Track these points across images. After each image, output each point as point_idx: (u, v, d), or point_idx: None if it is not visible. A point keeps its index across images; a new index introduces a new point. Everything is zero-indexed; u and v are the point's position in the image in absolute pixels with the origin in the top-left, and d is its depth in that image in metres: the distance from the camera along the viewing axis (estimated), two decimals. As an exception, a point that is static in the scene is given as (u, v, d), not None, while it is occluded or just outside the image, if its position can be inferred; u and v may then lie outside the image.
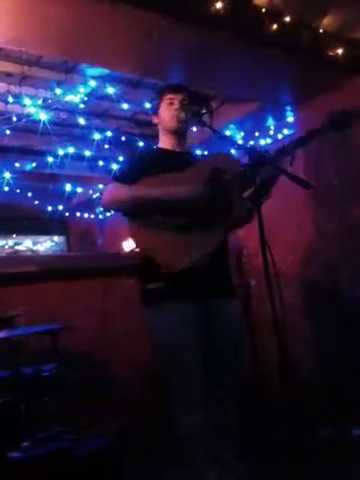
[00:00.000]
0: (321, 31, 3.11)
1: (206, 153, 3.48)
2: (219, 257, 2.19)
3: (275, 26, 2.90)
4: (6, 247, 6.60)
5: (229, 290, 2.28)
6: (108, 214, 6.28)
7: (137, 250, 2.22)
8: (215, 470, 2.05)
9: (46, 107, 3.78)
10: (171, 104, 2.27)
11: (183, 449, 2.09)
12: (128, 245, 5.20)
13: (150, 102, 2.50)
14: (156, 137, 2.42)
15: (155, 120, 2.37)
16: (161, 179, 2.17)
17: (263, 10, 2.87)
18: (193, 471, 2.06)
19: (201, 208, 2.09)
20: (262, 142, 4.35)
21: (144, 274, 2.19)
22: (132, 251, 3.09)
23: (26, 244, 6.79)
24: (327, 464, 2.62)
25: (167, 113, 2.28)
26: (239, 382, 2.23)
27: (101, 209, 6.05)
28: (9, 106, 3.86)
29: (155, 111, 2.35)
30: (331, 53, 3.19)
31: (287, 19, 2.94)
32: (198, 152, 3.24)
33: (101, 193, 5.56)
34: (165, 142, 2.35)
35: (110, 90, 3.64)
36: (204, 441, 2.04)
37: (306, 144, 2.01)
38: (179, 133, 2.31)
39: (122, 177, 2.21)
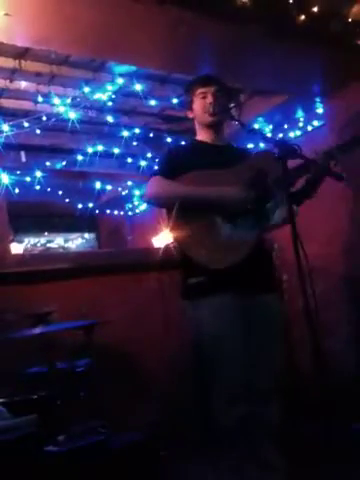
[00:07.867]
0: (350, 20, 3.05)
1: (249, 148, 3.43)
2: (260, 252, 2.17)
3: (303, 17, 2.86)
4: (38, 245, 6.71)
5: (270, 284, 2.26)
6: (137, 211, 6.34)
7: (174, 244, 2.22)
8: (255, 465, 2.03)
9: (75, 106, 3.82)
10: (204, 98, 2.23)
11: (223, 441, 2.08)
12: (158, 241, 5.22)
13: (182, 95, 2.44)
14: (184, 132, 2.41)
15: (190, 115, 2.34)
16: (206, 175, 2.15)
17: (290, 1, 2.83)
18: (232, 464, 2.04)
19: (245, 210, 2.08)
20: (291, 134, 4.30)
21: (184, 268, 2.17)
22: (168, 245, 3.08)
23: (58, 241, 6.88)
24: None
25: (200, 107, 2.25)
26: (281, 377, 2.20)
27: (139, 203, 6.05)
28: (39, 105, 3.91)
29: (189, 106, 2.33)
30: (360, 42, 3.13)
31: (315, 9, 2.90)
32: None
33: (131, 189, 5.62)
34: (203, 136, 2.32)
35: (138, 87, 3.65)
36: (245, 435, 2.03)
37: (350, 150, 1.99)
38: (215, 126, 2.28)
39: (165, 171, 2.18)
